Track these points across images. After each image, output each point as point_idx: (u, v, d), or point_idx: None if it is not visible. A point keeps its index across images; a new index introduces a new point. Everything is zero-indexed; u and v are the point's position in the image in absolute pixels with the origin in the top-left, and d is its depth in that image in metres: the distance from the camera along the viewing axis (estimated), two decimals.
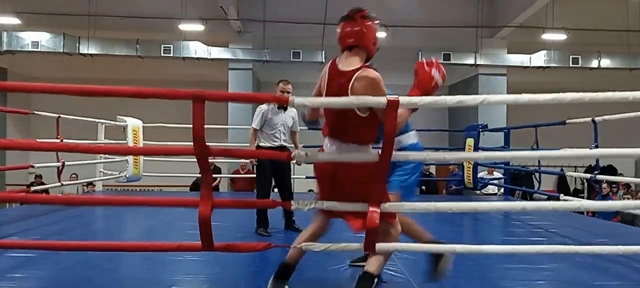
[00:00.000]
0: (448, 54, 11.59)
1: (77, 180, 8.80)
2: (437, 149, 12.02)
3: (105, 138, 7.91)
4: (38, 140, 6.09)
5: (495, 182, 8.85)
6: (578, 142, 4.52)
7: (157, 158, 8.58)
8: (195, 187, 9.18)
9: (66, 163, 6.22)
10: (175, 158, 8.43)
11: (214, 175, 8.93)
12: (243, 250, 2.65)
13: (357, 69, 2.46)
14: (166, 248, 2.82)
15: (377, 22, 2.63)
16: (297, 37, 11.49)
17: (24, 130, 13.13)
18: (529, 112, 11.73)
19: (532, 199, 9.20)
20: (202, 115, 2.31)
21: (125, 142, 7.59)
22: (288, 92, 4.57)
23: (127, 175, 7.48)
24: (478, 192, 8.83)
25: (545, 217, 5.97)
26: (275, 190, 5.33)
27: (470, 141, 8.10)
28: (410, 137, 3.15)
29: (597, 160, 5.59)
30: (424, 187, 10.41)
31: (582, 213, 9.73)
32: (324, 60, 11.28)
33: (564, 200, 5.47)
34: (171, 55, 11.25)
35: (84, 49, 11.06)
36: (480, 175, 8.45)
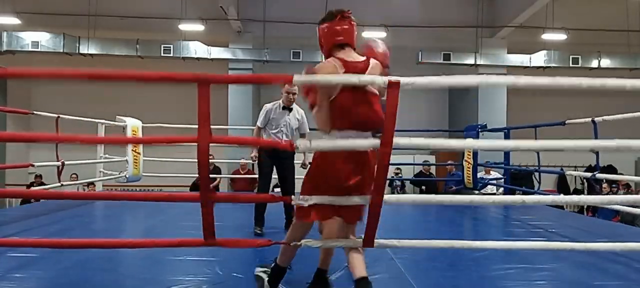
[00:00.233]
0: (448, 54, 11.60)
1: (77, 180, 8.79)
2: (437, 149, 12.09)
3: (105, 137, 7.92)
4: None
5: (495, 181, 8.85)
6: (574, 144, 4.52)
7: (157, 158, 8.59)
8: (195, 187, 9.17)
9: (66, 163, 6.21)
10: (175, 159, 8.43)
11: (213, 176, 8.94)
12: (244, 245, 2.67)
13: (367, 59, 2.65)
14: (167, 244, 2.83)
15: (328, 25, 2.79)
16: (297, 37, 11.49)
17: (24, 130, 13.11)
18: (528, 113, 11.75)
19: None
20: (207, 99, 2.34)
21: None
22: (294, 93, 4.57)
23: (127, 176, 7.47)
24: (477, 192, 8.83)
25: (545, 217, 5.97)
26: (276, 190, 5.34)
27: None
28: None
29: (597, 160, 5.58)
30: (423, 187, 10.42)
31: (582, 212, 9.76)
32: (324, 60, 11.28)
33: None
34: (171, 55, 11.26)
35: (84, 49, 11.06)
36: (478, 175, 8.45)
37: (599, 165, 5.66)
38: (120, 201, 6.67)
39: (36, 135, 3.47)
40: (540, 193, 7.61)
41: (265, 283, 2.84)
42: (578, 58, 11.56)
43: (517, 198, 2.97)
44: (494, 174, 8.93)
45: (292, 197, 2.58)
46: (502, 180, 8.69)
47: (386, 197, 2.51)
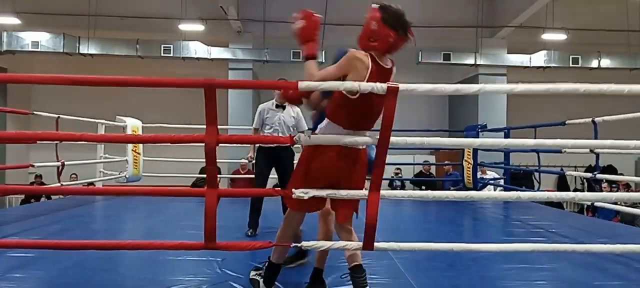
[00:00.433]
0: (448, 54, 11.60)
1: (76, 180, 8.80)
2: (437, 149, 12.10)
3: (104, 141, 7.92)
4: (37, 141, 6.11)
5: (495, 182, 8.85)
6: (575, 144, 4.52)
7: (157, 158, 8.60)
8: (195, 187, 9.18)
9: (66, 163, 6.22)
10: (175, 159, 8.44)
11: None
12: (243, 248, 2.69)
13: (392, 65, 2.61)
14: (167, 247, 2.83)
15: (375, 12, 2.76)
16: None
17: (24, 130, 13.13)
18: (528, 113, 11.75)
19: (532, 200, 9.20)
20: (214, 102, 2.42)
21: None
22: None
23: (127, 176, 7.48)
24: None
25: (545, 217, 5.98)
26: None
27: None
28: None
29: (597, 160, 5.59)
30: (423, 187, 10.41)
31: (582, 212, 9.75)
32: (324, 60, 11.26)
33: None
34: (171, 55, 11.25)
35: (84, 49, 11.06)
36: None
37: (599, 166, 5.67)
38: (120, 201, 6.68)
39: (37, 133, 3.42)
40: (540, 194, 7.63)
41: (261, 284, 2.85)
42: (578, 58, 11.56)
43: (513, 194, 2.97)
44: (490, 174, 8.92)
45: (293, 190, 2.60)
46: (501, 180, 8.70)
47: (384, 192, 2.53)
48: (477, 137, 8.05)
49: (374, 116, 2.60)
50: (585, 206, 10.15)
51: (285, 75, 5.42)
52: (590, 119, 5.42)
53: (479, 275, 3.35)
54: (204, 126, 2.50)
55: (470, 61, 11.68)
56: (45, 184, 10.81)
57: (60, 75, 2.55)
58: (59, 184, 6.16)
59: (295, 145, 2.77)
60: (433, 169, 11.14)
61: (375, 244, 2.54)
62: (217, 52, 11.63)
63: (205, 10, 11.02)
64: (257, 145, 4.82)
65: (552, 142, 2.66)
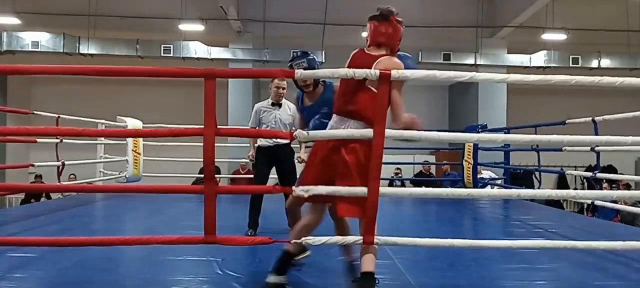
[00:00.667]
0: (448, 54, 11.59)
1: (75, 180, 8.80)
2: (437, 149, 12.10)
3: (105, 138, 7.92)
4: (38, 140, 6.13)
5: (495, 182, 8.85)
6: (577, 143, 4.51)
7: (157, 158, 8.60)
8: None
9: (66, 163, 6.22)
10: (175, 158, 8.45)
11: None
12: (244, 243, 2.70)
13: (383, 55, 2.68)
14: (167, 241, 2.83)
15: (403, 25, 2.85)
16: (297, 37, 11.48)
17: None
18: (528, 113, 11.75)
19: (532, 200, 9.21)
20: (213, 92, 2.45)
21: (125, 142, 7.60)
22: (283, 88, 4.54)
23: (127, 176, 7.48)
24: None
25: (545, 217, 5.98)
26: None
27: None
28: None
29: (598, 159, 5.59)
30: (423, 187, 10.41)
31: (582, 212, 9.75)
32: (324, 60, 11.27)
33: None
34: (171, 55, 11.26)
35: (84, 49, 11.06)
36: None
37: (599, 165, 5.67)
38: (120, 202, 6.69)
39: (39, 128, 3.45)
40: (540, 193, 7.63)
41: (271, 276, 2.79)
42: (578, 58, 11.56)
43: (513, 191, 2.97)
44: (486, 174, 8.91)
45: (293, 188, 2.61)
46: (499, 180, 8.70)
47: (384, 189, 2.54)
48: None
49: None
50: (585, 206, 10.15)
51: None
52: (590, 118, 5.42)
53: (479, 275, 3.35)
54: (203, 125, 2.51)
55: (470, 61, 11.67)
56: (45, 184, 10.81)
57: (61, 66, 2.57)
58: (58, 183, 6.17)
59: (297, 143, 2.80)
60: (433, 169, 11.13)
61: (375, 238, 2.56)
62: (217, 52, 11.63)
63: (205, 10, 11.02)
64: (257, 144, 4.79)
65: (552, 138, 2.67)
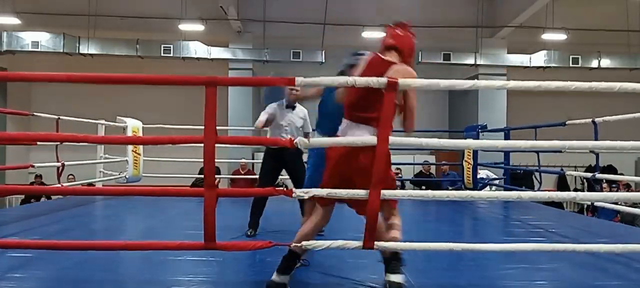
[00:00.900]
0: (448, 54, 11.60)
1: (74, 181, 8.80)
2: (438, 150, 12.09)
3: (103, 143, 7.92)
4: (38, 142, 6.12)
5: (494, 182, 8.84)
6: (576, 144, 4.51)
7: (157, 158, 8.60)
8: (194, 187, 9.18)
9: (66, 163, 6.21)
10: (175, 159, 8.44)
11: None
12: (243, 248, 2.69)
13: (398, 63, 2.75)
14: (167, 247, 2.84)
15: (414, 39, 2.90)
16: (297, 37, 11.49)
17: (24, 131, 13.13)
18: (529, 113, 11.75)
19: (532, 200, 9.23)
20: (214, 100, 2.45)
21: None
22: (296, 90, 4.50)
23: (127, 176, 7.48)
24: None
25: (545, 217, 5.97)
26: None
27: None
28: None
29: (597, 160, 5.59)
30: (423, 187, 10.41)
31: (582, 212, 9.75)
32: (323, 60, 11.28)
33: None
34: (171, 55, 11.26)
35: (84, 49, 11.06)
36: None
37: (599, 166, 5.67)
38: (120, 202, 6.68)
39: (39, 134, 3.48)
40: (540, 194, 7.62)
41: (279, 278, 2.80)
42: (578, 58, 11.56)
43: (514, 193, 2.97)
44: (483, 173, 8.91)
45: (293, 190, 2.62)
46: (497, 180, 8.69)
47: (384, 191, 2.55)
48: (477, 137, 8.05)
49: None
50: (586, 206, 10.14)
51: (285, 75, 5.37)
52: (590, 120, 5.42)
53: (479, 275, 3.35)
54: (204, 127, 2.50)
55: (470, 61, 11.68)
56: (45, 184, 10.82)
57: (61, 73, 2.57)
58: (59, 185, 6.16)
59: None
60: (433, 169, 11.14)
61: (376, 243, 2.56)
62: (217, 52, 11.63)
63: (205, 10, 11.02)
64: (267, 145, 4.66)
65: (552, 144, 2.68)
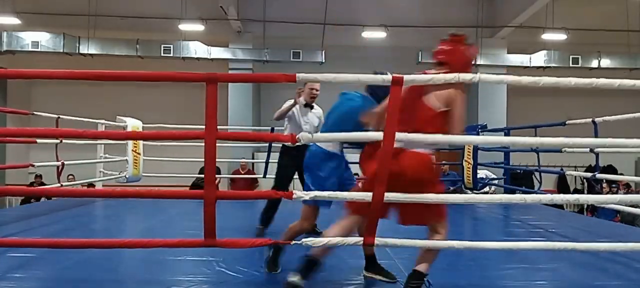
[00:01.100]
0: None
1: (74, 180, 8.80)
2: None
3: (105, 138, 7.91)
4: (38, 140, 6.13)
5: (493, 182, 8.84)
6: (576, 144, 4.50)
7: (157, 158, 8.59)
8: (195, 187, 9.17)
9: (66, 163, 6.21)
10: (175, 158, 8.44)
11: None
12: (243, 245, 2.69)
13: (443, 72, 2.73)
14: (167, 245, 2.83)
15: (473, 50, 2.93)
16: (297, 37, 11.49)
17: None
18: (528, 113, 11.74)
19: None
20: (214, 97, 2.44)
21: (125, 142, 7.59)
22: (317, 90, 4.41)
23: (127, 176, 7.47)
24: (476, 192, 8.82)
25: (545, 217, 5.98)
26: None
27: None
28: (329, 144, 3.18)
29: (597, 160, 5.58)
30: None
31: (582, 212, 9.76)
32: (323, 60, 11.27)
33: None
34: (171, 55, 11.26)
35: (84, 49, 11.06)
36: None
37: (598, 165, 5.67)
38: (120, 202, 6.68)
39: (39, 130, 3.47)
40: (540, 193, 7.63)
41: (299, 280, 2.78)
42: (578, 58, 11.55)
43: (517, 196, 2.97)
44: (482, 173, 8.90)
45: (293, 192, 2.61)
46: (496, 180, 8.68)
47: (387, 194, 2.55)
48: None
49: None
50: (585, 206, 10.15)
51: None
52: (590, 119, 5.42)
53: (479, 275, 3.35)
54: (204, 126, 2.50)
55: None
56: (45, 184, 10.82)
57: (60, 70, 2.56)
58: (58, 185, 6.16)
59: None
60: None
61: (376, 239, 2.57)
62: (217, 52, 11.63)
63: (205, 10, 11.02)
64: (284, 144, 4.50)
65: (552, 140, 2.68)
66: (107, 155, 7.84)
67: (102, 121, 7.52)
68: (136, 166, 7.61)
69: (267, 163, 7.47)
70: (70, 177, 9.67)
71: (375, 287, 3.04)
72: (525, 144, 2.80)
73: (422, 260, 2.75)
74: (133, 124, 7.51)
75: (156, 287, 3.02)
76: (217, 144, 2.59)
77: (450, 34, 2.85)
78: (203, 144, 2.52)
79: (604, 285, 3.14)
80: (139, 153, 7.67)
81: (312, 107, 4.54)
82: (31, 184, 10.91)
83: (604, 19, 11.39)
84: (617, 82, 2.63)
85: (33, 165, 6.08)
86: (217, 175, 9.45)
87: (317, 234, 3.19)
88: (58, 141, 6.08)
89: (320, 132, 3.71)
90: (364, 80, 2.63)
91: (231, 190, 7.82)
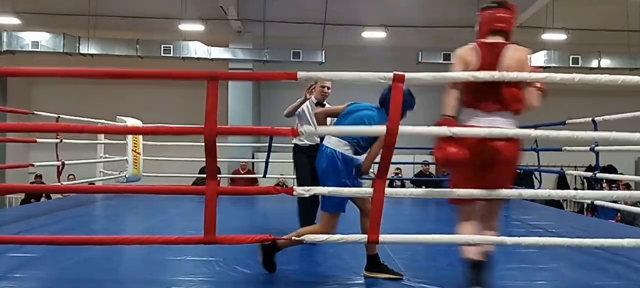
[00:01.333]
0: (448, 54, 11.57)
1: (74, 180, 8.80)
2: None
3: (105, 138, 7.92)
4: (38, 139, 6.13)
5: None
6: (578, 142, 4.50)
7: (157, 157, 8.59)
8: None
9: (66, 162, 6.22)
10: (175, 158, 8.44)
11: None
12: (243, 241, 2.71)
13: (508, 43, 2.77)
14: (167, 241, 2.83)
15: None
16: (297, 37, 11.49)
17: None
18: (529, 113, 11.71)
19: (532, 200, 9.21)
20: (215, 94, 2.46)
21: (124, 141, 7.60)
22: (328, 88, 4.34)
23: (127, 176, 7.48)
24: None
25: (545, 217, 5.98)
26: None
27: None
28: (332, 142, 3.14)
29: (597, 159, 5.58)
30: (424, 187, 10.41)
31: (582, 212, 9.75)
32: (324, 60, 11.27)
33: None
34: (171, 55, 11.25)
35: (84, 49, 11.06)
36: None
37: (598, 165, 5.66)
38: (120, 201, 6.69)
39: (38, 125, 3.48)
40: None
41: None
42: (578, 58, 11.55)
43: (514, 192, 2.98)
44: None
45: (294, 188, 2.63)
46: None
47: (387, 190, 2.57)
48: None
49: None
50: (585, 206, 10.15)
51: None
52: (590, 118, 5.42)
53: None
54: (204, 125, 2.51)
55: None
56: (45, 184, 10.81)
57: (59, 68, 2.57)
58: (59, 185, 6.17)
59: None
60: (433, 169, 11.13)
61: (380, 237, 2.58)
62: (217, 52, 11.62)
63: (205, 10, 11.02)
64: (296, 143, 4.48)
65: (555, 134, 2.70)
66: (107, 155, 7.85)
67: (102, 121, 7.53)
68: (136, 166, 7.62)
69: (267, 163, 7.47)
70: (71, 176, 9.68)
71: (377, 287, 3.04)
72: (526, 136, 2.80)
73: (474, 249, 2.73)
74: (133, 124, 7.52)
75: (156, 287, 3.02)
76: (217, 144, 2.59)
77: (504, 2, 2.80)
78: (203, 144, 2.52)
79: (604, 285, 3.14)
80: (138, 153, 7.68)
81: (323, 106, 4.50)
82: (31, 184, 10.90)
83: (604, 19, 11.39)
84: (619, 78, 2.67)
85: (33, 165, 6.08)
86: (217, 175, 9.50)
87: None
88: (58, 141, 6.08)
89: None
90: (365, 79, 2.63)
91: (231, 187, 7.83)
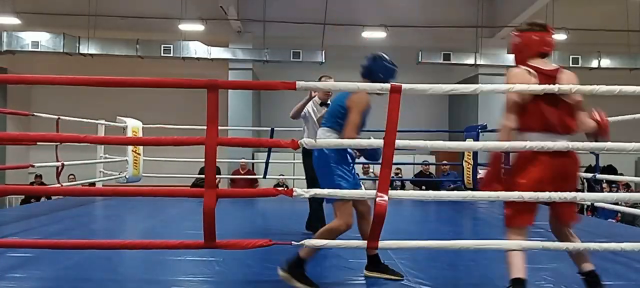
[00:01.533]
0: (448, 54, 11.59)
1: (74, 180, 8.79)
2: (438, 150, 12.07)
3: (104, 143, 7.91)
4: (38, 142, 6.12)
5: None
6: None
7: (157, 158, 8.60)
8: (195, 188, 9.18)
9: (66, 163, 6.21)
10: (175, 159, 8.44)
11: None
12: (243, 246, 2.68)
13: (560, 67, 2.78)
14: (167, 246, 2.83)
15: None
16: (297, 37, 11.48)
17: (24, 131, 13.13)
18: None
19: None
20: (216, 103, 2.47)
21: None
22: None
23: (127, 176, 7.48)
24: None
25: (545, 217, 5.96)
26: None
27: (469, 141, 8.11)
28: (319, 134, 3.15)
29: (597, 160, 5.59)
30: (423, 187, 10.41)
31: (582, 212, 9.74)
32: (324, 60, 11.27)
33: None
34: (171, 55, 11.25)
35: (84, 49, 11.06)
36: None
37: (598, 166, 5.67)
38: (120, 202, 6.69)
39: (38, 135, 3.48)
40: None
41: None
42: (578, 58, 11.55)
43: (515, 194, 2.97)
44: (482, 174, 8.91)
45: (294, 189, 2.61)
46: None
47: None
48: (478, 137, 8.04)
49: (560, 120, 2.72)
50: (585, 206, 10.14)
51: (285, 75, 5.38)
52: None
53: (479, 274, 3.35)
54: (205, 127, 2.50)
55: (471, 61, 11.67)
56: (45, 184, 10.81)
57: (61, 76, 2.57)
58: (58, 185, 6.16)
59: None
60: (432, 169, 11.14)
61: (380, 243, 2.57)
62: (217, 52, 11.62)
63: (205, 10, 11.02)
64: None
65: (552, 145, 2.68)
66: (107, 156, 7.85)
67: (102, 121, 7.53)
68: (136, 166, 7.62)
69: (267, 163, 7.48)
70: (71, 177, 9.68)
71: (377, 287, 3.04)
72: (526, 148, 2.78)
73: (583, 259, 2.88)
74: (133, 125, 7.52)
75: (156, 287, 3.02)
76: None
77: (546, 25, 2.79)
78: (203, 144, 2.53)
79: (604, 285, 3.13)
80: (139, 154, 7.68)
81: (328, 105, 4.51)
82: (31, 184, 10.90)
83: (604, 19, 11.39)
84: (616, 88, 2.70)
85: (33, 166, 6.08)
86: (217, 176, 9.50)
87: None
88: (58, 142, 6.08)
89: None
90: (363, 88, 2.62)
91: (229, 189, 7.81)
